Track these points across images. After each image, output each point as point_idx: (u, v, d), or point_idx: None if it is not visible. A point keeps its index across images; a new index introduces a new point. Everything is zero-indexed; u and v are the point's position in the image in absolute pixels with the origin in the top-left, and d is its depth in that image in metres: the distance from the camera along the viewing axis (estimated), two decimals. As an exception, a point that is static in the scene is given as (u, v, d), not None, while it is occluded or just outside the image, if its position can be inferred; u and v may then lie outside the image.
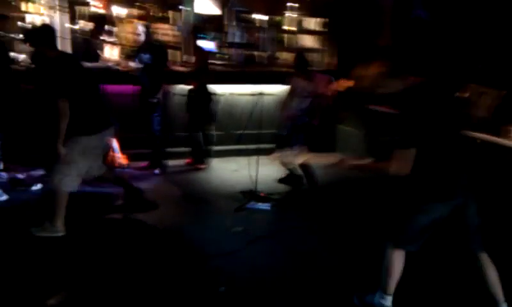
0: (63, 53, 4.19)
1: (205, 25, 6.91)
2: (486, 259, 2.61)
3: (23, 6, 6.22)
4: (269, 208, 4.66)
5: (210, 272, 3.28)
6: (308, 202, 4.91)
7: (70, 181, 3.64)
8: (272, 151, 4.48)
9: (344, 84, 4.71)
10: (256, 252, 3.68)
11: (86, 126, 3.69)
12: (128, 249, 3.58)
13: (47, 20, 5.96)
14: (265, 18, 7.33)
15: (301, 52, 5.35)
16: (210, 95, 5.79)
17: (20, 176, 4.94)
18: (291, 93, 4.93)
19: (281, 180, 5.34)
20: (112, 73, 5.62)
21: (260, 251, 3.71)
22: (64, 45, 5.96)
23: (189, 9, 7.06)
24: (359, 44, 6.42)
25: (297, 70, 4.92)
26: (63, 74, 3.57)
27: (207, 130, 5.90)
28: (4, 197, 4.36)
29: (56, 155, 3.57)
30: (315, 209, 4.71)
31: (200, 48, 5.89)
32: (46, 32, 3.73)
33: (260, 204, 4.70)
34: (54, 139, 3.55)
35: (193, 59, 6.08)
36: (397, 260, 2.59)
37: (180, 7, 7.04)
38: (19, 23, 6.23)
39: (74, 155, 3.62)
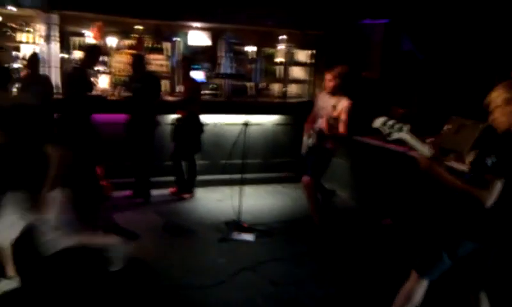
0: None
1: (196, 56, 7.02)
2: (484, 299, 2.61)
3: (18, 36, 6.31)
4: (252, 239, 4.62)
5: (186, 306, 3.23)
6: (296, 232, 4.88)
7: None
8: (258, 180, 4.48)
9: None
10: (237, 284, 3.63)
11: None
12: (105, 280, 3.52)
13: (38, 50, 6.04)
14: (255, 49, 7.44)
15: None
16: (199, 125, 5.82)
17: None
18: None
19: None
20: (103, 102, 5.68)
21: (241, 283, 3.66)
22: (56, 73, 6.05)
23: (181, 40, 7.19)
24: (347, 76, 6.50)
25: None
26: None
27: (192, 159, 5.90)
28: None
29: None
30: (302, 239, 4.67)
31: (190, 79, 5.97)
32: None
33: (244, 234, 4.67)
34: None
35: (183, 88, 6.17)
36: (421, 289, 2.56)
37: (174, 38, 7.16)
38: (13, 53, 6.34)
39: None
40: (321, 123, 4.72)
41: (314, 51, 7.40)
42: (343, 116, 4.65)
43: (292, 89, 7.80)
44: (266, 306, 3.36)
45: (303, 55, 7.67)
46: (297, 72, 7.79)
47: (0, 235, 3.20)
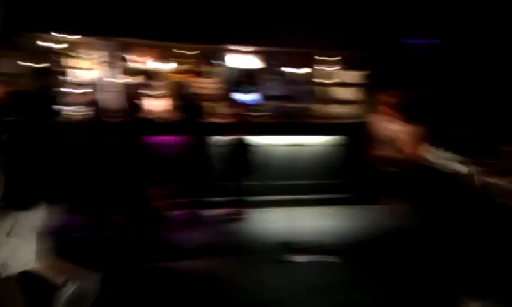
0: None
1: (244, 78, 7.15)
2: None
3: (72, 62, 6.64)
4: (308, 260, 4.58)
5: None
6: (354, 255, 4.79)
7: None
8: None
9: None
10: (291, 305, 3.59)
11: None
12: (162, 297, 3.57)
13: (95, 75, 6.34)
14: (303, 71, 7.51)
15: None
16: (247, 146, 5.89)
17: None
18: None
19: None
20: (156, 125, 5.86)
21: (296, 304, 3.61)
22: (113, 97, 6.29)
23: (229, 63, 7.35)
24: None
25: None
26: None
27: (245, 180, 5.95)
28: None
29: None
30: (361, 262, 4.59)
31: (237, 101, 6.08)
32: None
33: (299, 256, 4.63)
34: None
35: (232, 110, 6.28)
36: None
37: (221, 62, 7.34)
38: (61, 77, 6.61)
39: None
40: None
41: (364, 71, 7.38)
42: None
43: (341, 109, 7.76)
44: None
45: (350, 76, 7.67)
46: (344, 93, 7.78)
47: None
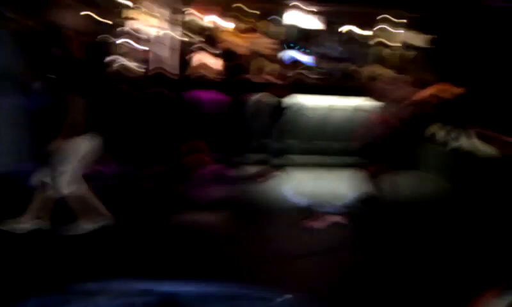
0: None
1: (302, 37, 7.05)
2: None
3: (134, 15, 6.88)
4: (340, 221, 4.56)
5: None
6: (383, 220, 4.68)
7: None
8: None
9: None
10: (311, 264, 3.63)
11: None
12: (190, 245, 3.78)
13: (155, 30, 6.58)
14: (362, 32, 7.22)
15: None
16: (287, 107, 5.85)
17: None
18: None
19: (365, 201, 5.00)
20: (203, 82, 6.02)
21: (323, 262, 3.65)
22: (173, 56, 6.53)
23: (287, 22, 7.26)
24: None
25: None
26: None
27: (281, 140, 5.94)
28: None
29: None
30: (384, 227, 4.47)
31: (289, 60, 6.04)
32: None
33: (329, 217, 4.62)
34: None
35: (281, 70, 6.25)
36: None
37: (280, 20, 7.27)
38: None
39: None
40: None
41: (431, 36, 6.89)
42: None
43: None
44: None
45: (414, 39, 7.21)
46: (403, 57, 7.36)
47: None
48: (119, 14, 6.87)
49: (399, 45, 7.27)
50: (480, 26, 6.24)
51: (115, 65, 6.02)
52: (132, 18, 6.89)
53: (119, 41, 6.65)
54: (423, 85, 4.67)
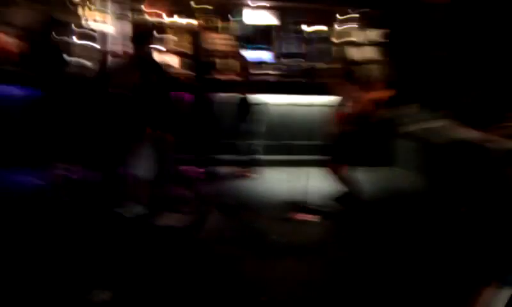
0: None
1: (258, 35, 7.00)
2: None
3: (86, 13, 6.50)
4: (317, 220, 4.59)
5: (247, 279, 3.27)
6: (360, 218, 4.76)
7: None
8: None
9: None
10: (293, 262, 3.61)
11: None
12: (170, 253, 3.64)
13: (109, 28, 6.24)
14: (318, 29, 7.32)
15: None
16: (252, 105, 5.83)
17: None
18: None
19: (337, 199, 5.04)
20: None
21: (299, 262, 3.62)
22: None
23: (241, 19, 7.18)
24: (415, 56, 6.28)
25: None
26: None
27: (255, 139, 5.91)
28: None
29: None
30: (365, 226, 4.56)
31: (247, 58, 5.99)
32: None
33: (308, 216, 4.64)
34: None
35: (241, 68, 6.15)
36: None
37: (236, 18, 7.17)
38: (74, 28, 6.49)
39: None
40: None
41: (381, 30, 7.14)
42: None
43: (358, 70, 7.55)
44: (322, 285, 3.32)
45: (367, 35, 7.43)
46: (359, 52, 7.57)
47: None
48: (70, 12, 6.43)
49: (356, 40, 7.44)
50: (421, 20, 6.63)
51: (70, 65, 5.63)
52: (84, 16, 6.48)
53: (72, 40, 6.29)
54: (378, 81, 4.83)
